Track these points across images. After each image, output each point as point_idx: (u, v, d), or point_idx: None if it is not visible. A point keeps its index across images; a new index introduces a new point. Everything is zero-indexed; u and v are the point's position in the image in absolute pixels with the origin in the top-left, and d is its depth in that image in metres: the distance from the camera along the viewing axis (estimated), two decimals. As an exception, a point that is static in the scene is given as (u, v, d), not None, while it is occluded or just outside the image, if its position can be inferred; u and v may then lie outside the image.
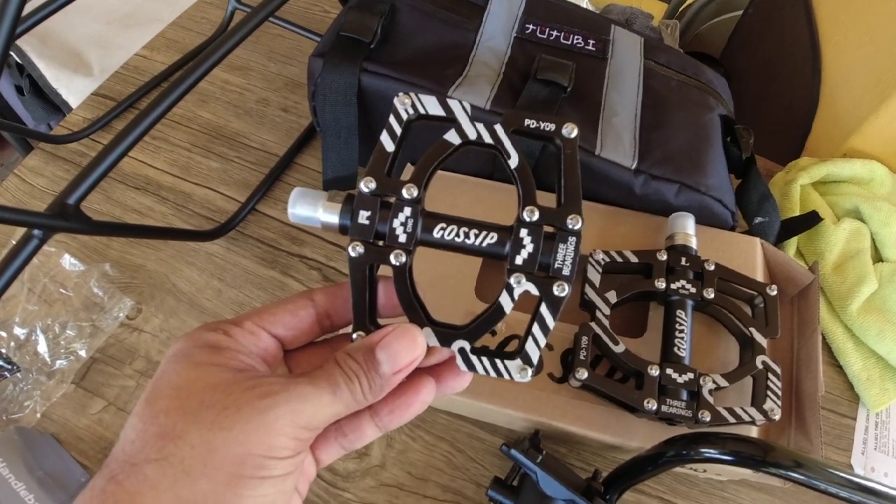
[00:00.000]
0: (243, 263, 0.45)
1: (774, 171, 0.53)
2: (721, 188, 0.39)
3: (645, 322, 0.37)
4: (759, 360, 0.34)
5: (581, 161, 0.38)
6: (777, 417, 0.33)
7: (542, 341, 0.22)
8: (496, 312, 0.22)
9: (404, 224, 0.22)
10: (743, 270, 0.38)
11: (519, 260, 0.21)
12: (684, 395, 0.33)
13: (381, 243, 0.22)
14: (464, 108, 0.23)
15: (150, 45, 0.57)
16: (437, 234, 0.22)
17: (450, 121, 0.23)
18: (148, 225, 0.46)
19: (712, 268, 0.36)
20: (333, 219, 0.22)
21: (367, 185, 0.21)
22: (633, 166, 0.38)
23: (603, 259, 0.37)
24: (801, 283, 0.41)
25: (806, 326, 0.40)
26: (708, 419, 0.32)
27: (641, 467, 0.33)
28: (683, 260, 0.36)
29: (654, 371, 0.33)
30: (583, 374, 0.33)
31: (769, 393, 0.33)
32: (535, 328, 0.22)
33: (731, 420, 0.32)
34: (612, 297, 0.36)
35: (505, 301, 0.22)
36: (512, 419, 0.37)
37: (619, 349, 0.34)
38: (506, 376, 0.22)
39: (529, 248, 0.21)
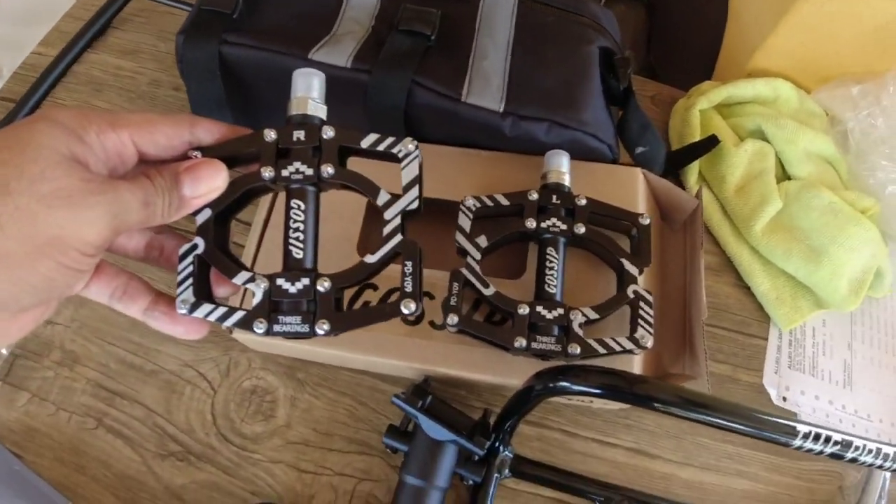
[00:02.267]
0: (144, 248, 0.45)
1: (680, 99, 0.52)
2: (596, 122, 0.38)
3: (524, 262, 0.37)
4: (630, 289, 0.34)
5: (448, 109, 0.38)
6: (649, 345, 0.33)
7: (410, 287, 0.26)
8: None
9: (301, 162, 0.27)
10: (624, 202, 0.37)
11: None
12: (555, 331, 0.33)
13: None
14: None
15: (45, 41, 0.56)
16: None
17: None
18: None
19: (583, 203, 0.36)
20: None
21: None
22: (501, 109, 0.37)
23: (474, 205, 0.36)
24: (687, 209, 0.40)
25: (693, 251, 0.40)
26: (578, 352, 0.32)
27: (516, 404, 0.33)
28: (555, 198, 0.36)
29: (524, 310, 0.33)
30: (454, 319, 0.33)
31: (641, 321, 0.33)
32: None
33: (602, 351, 0.33)
34: (482, 241, 0.35)
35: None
36: (401, 369, 0.38)
37: (489, 292, 0.34)
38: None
39: None
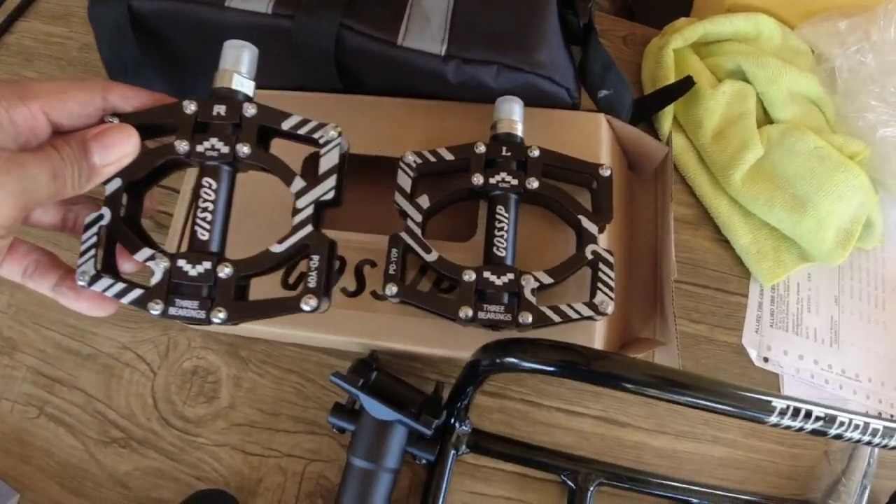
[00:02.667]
0: (76, 224, 0.41)
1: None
2: (552, 63, 0.33)
3: (475, 223, 0.33)
4: (588, 249, 0.30)
5: (383, 54, 0.33)
6: (609, 310, 0.29)
7: (314, 282, 0.25)
8: None
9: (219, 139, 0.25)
10: (585, 152, 0.33)
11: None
12: (505, 298, 0.29)
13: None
14: None
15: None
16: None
17: None
18: None
19: (536, 154, 0.31)
20: None
21: None
22: (443, 52, 0.32)
23: (414, 161, 0.32)
24: (657, 157, 0.36)
25: (664, 205, 0.35)
26: (529, 321, 0.29)
27: (465, 380, 0.30)
28: (504, 150, 0.31)
29: (469, 276, 0.29)
30: (392, 289, 0.29)
31: (600, 285, 0.29)
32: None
33: (556, 319, 0.29)
34: (424, 202, 0.31)
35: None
36: (345, 344, 0.34)
37: (431, 257, 0.30)
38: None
39: None
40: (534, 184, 0.31)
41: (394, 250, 0.30)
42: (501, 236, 0.30)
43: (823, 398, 0.41)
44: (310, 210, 0.26)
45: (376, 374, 0.32)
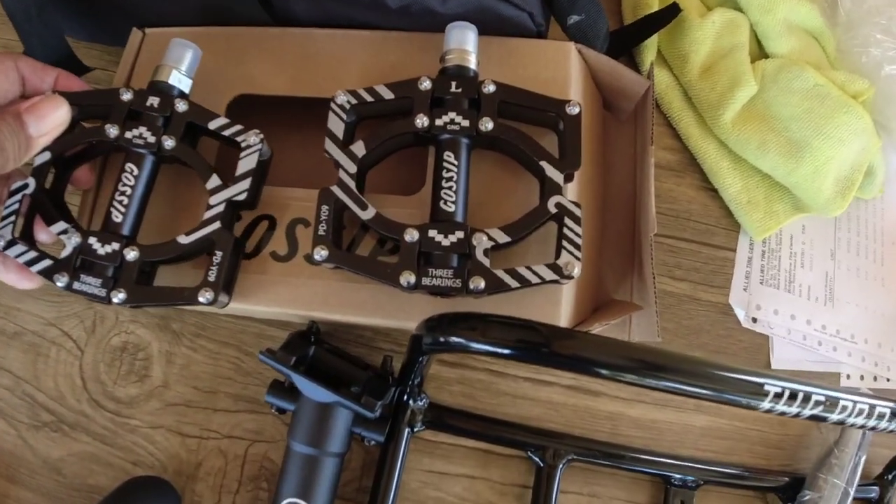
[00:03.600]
0: None
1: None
2: (512, -19, 0.27)
3: (423, 173, 0.27)
4: (551, 202, 0.24)
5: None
6: (575, 273, 0.23)
7: (213, 276, 0.24)
8: None
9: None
10: (552, 88, 0.27)
11: None
12: (454, 262, 0.24)
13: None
14: None
15: None
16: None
17: None
18: None
19: (491, 90, 0.25)
20: None
21: None
22: (380, -32, 0.26)
23: (347, 101, 0.26)
24: (636, 94, 0.30)
25: (643, 149, 0.29)
26: (482, 286, 0.23)
27: (411, 357, 0.25)
28: (454, 86, 0.25)
29: (412, 236, 0.24)
30: (322, 252, 0.24)
31: (565, 243, 0.24)
32: None
33: (514, 284, 0.23)
34: (359, 149, 0.25)
35: None
36: (279, 315, 0.29)
37: (367, 215, 0.24)
38: None
39: None
40: (488, 125, 0.25)
41: (324, 207, 0.25)
42: (450, 188, 0.25)
43: (816, 361, 0.36)
44: (221, 207, 0.26)
45: (314, 349, 0.27)
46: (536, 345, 0.20)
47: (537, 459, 0.31)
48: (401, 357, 0.29)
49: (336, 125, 0.26)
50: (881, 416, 0.21)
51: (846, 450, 0.33)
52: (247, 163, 0.26)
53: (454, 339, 0.21)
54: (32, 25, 0.30)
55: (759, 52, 0.37)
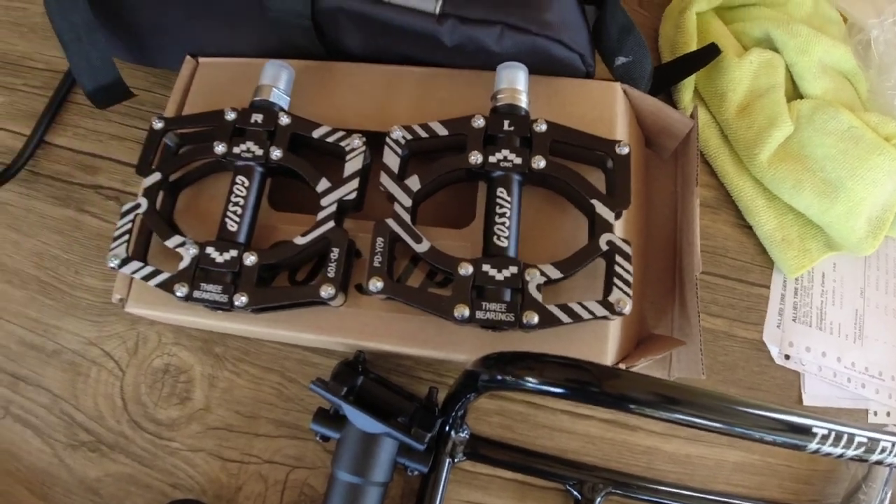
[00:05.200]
0: (38, 207, 0.36)
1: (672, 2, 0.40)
2: (563, 24, 0.28)
3: (474, 206, 0.28)
4: (603, 239, 0.25)
5: (367, 13, 0.27)
6: (626, 310, 0.24)
7: (333, 272, 0.25)
8: None
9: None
10: (599, 127, 0.27)
11: None
12: (506, 296, 0.24)
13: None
14: None
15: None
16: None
17: None
18: None
19: (543, 129, 0.26)
20: None
21: None
22: (437, 10, 0.27)
23: (403, 137, 0.26)
24: (679, 133, 0.30)
25: (686, 187, 0.30)
26: (535, 321, 0.24)
27: (461, 390, 0.25)
28: (507, 124, 0.26)
29: (466, 270, 0.24)
30: (377, 284, 0.24)
31: (617, 281, 0.24)
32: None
33: (567, 320, 0.24)
34: (414, 183, 0.26)
35: None
36: (326, 343, 0.29)
37: (422, 248, 0.25)
38: None
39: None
40: (540, 163, 0.25)
41: (379, 239, 0.25)
42: (503, 223, 0.25)
43: (845, 398, 0.36)
44: (332, 207, 0.26)
45: (362, 379, 0.27)
46: (588, 384, 0.20)
47: (576, 493, 0.31)
48: (442, 387, 0.29)
49: (391, 160, 0.26)
50: None
51: (874, 485, 0.33)
52: (353, 165, 0.27)
53: (511, 378, 0.21)
54: (81, 46, 0.31)
55: (794, 91, 0.38)
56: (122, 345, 0.33)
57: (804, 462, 0.34)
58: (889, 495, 0.33)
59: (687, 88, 0.36)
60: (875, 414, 0.36)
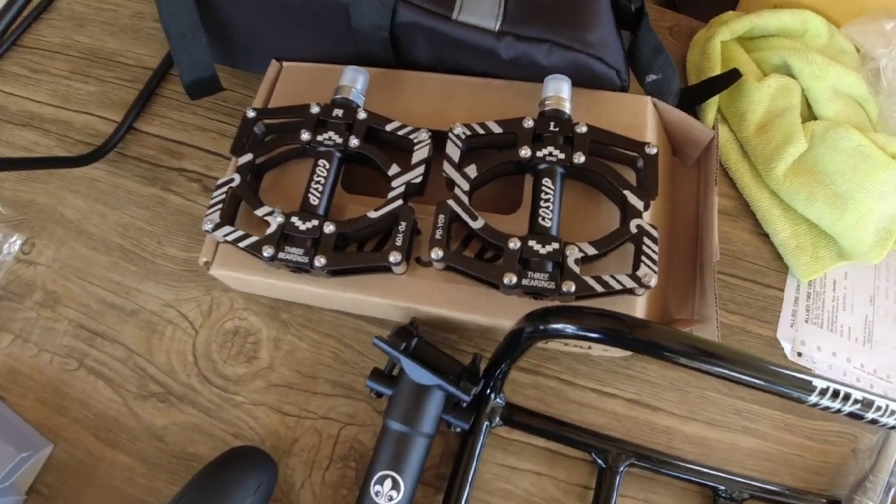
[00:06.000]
0: (125, 184, 0.44)
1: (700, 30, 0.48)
2: (603, 44, 0.35)
3: (521, 196, 0.35)
4: (632, 224, 0.32)
5: (438, 29, 0.36)
6: (652, 283, 0.31)
7: (400, 241, 0.32)
8: None
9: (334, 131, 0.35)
10: (631, 133, 0.35)
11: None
12: (549, 267, 0.31)
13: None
14: None
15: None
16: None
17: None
18: (12, 157, 0.45)
19: (584, 130, 0.33)
20: None
21: None
22: (497, 28, 0.35)
23: (463, 133, 0.34)
24: (702, 142, 0.38)
25: (707, 188, 0.37)
26: (573, 289, 0.30)
27: (506, 348, 0.32)
28: (552, 125, 0.34)
29: (514, 244, 0.31)
30: (438, 253, 0.31)
31: (644, 258, 0.31)
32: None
33: (599, 289, 0.31)
34: (471, 171, 0.33)
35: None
36: (385, 308, 0.36)
37: (477, 224, 0.32)
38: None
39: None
40: (580, 158, 0.33)
41: (441, 216, 0.32)
42: (547, 207, 0.32)
43: (857, 397, 0.42)
44: (401, 188, 0.33)
45: (416, 340, 0.34)
46: (621, 331, 0.27)
47: (600, 461, 0.37)
48: (484, 360, 0.36)
49: (453, 151, 0.34)
50: None
51: (880, 475, 0.38)
52: (420, 153, 0.34)
53: (554, 325, 0.28)
54: (186, 43, 0.39)
55: (809, 113, 0.45)
56: (197, 308, 0.40)
57: (815, 454, 0.40)
58: (894, 487, 0.38)
59: (711, 108, 0.44)
60: (885, 416, 0.42)
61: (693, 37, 0.48)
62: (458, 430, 0.35)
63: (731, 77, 0.42)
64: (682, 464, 0.37)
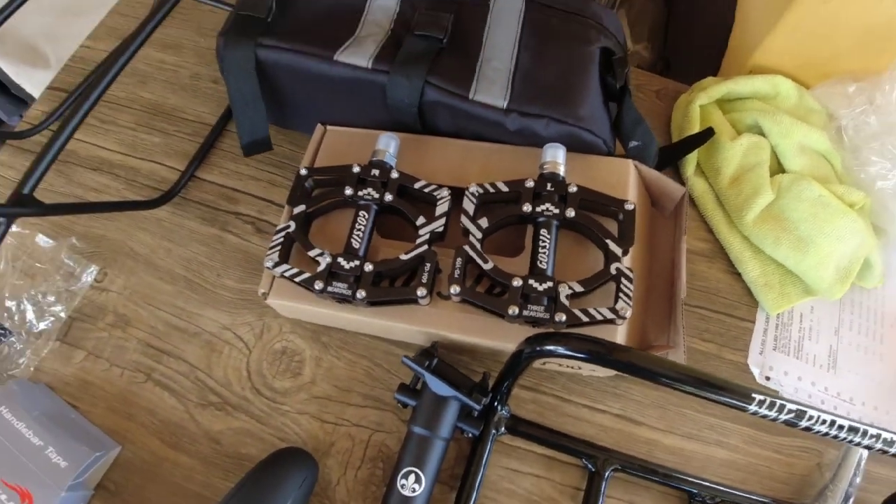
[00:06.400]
0: (188, 224, 0.54)
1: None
2: (591, 118, 0.45)
3: (523, 242, 0.44)
4: (613, 267, 0.41)
5: (457, 106, 0.45)
6: (627, 315, 0.39)
7: (425, 279, 0.41)
8: None
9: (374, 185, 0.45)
10: (616, 190, 0.44)
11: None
12: (545, 301, 0.40)
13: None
14: None
15: (93, 36, 0.65)
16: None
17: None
18: (94, 201, 0.55)
19: (574, 190, 0.43)
20: None
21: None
22: (505, 106, 0.44)
23: (477, 191, 0.43)
24: (676, 196, 0.47)
25: (679, 235, 0.46)
26: (564, 319, 0.39)
27: (510, 366, 0.41)
28: (549, 186, 0.43)
29: (517, 282, 0.40)
30: (455, 289, 0.41)
31: (621, 295, 0.40)
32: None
33: (584, 319, 0.40)
34: (483, 222, 0.43)
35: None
36: (412, 334, 0.45)
37: (488, 266, 0.41)
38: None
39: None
40: (571, 213, 0.42)
41: (458, 259, 0.42)
42: (544, 252, 0.42)
43: (820, 416, 0.50)
44: (427, 236, 0.43)
45: (436, 360, 0.43)
46: (600, 352, 0.36)
47: (590, 466, 0.45)
48: (492, 377, 0.45)
49: (468, 205, 0.43)
50: (840, 428, 0.36)
51: (840, 484, 0.46)
52: (441, 208, 0.43)
53: (548, 347, 0.37)
54: (247, 110, 0.49)
55: (779, 167, 0.55)
56: (250, 331, 0.50)
57: (782, 466, 0.48)
58: (853, 497, 0.46)
59: (690, 163, 0.53)
60: (846, 434, 0.50)
61: (677, 98, 0.57)
62: (470, 435, 0.44)
63: (705, 135, 0.51)
64: (661, 470, 0.46)
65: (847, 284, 0.51)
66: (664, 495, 0.46)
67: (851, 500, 0.46)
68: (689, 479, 0.46)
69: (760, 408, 0.35)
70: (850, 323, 0.53)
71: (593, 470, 0.45)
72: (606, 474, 0.45)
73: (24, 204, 0.42)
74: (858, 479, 0.47)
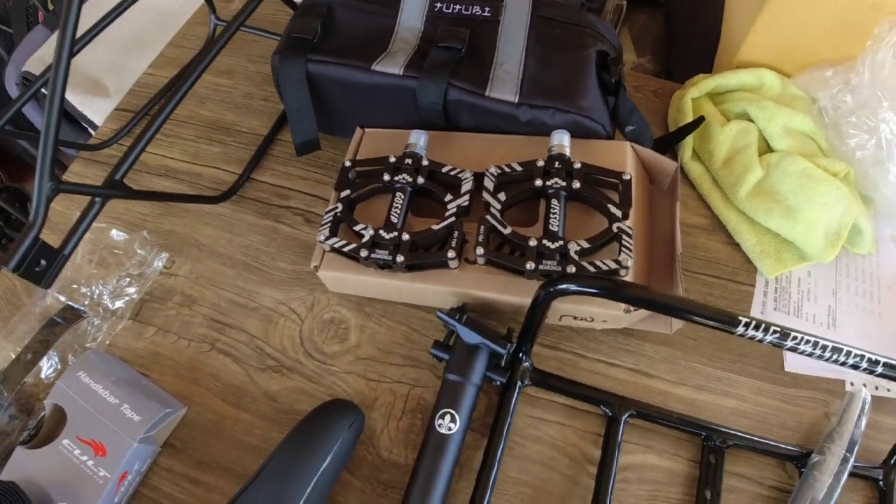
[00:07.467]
0: (245, 218, 0.67)
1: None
2: (591, 107, 0.57)
3: (538, 214, 0.56)
4: (614, 226, 0.52)
5: (476, 102, 0.58)
6: (629, 265, 0.50)
7: (454, 245, 0.53)
8: None
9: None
10: (614, 167, 0.55)
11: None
12: (557, 257, 0.51)
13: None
14: None
15: (154, 64, 0.80)
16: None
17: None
18: (171, 192, 0.69)
19: (579, 166, 0.54)
20: None
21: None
22: (516, 100, 0.57)
23: (496, 171, 0.55)
24: (669, 171, 0.58)
25: (674, 204, 0.57)
26: (573, 271, 0.50)
27: (532, 312, 0.51)
28: (557, 164, 0.55)
29: (533, 242, 0.52)
30: (480, 251, 0.52)
31: (622, 248, 0.51)
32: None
33: (591, 269, 0.50)
34: (502, 196, 0.54)
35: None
36: (444, 295, 0.56)
37: (507, 231, 0.53)
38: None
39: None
40: (577, 185, 0.53)
41: (482, 227, 0.53)
42: (555, 218, 0.53)
43: (824, 369, 0.59)
44: (454, 210, 0.54)
45: (466, 315, 0.54)
46: (610, 288, 0.46)
47: (608, 412, 0.55)
48: (515, 333, 0.55)
49: (489, 183, 0.55)
50: (824, 348, 0.45)
51: (846, 426, 0.54)
52: (465, 186, 0.55)
53: (562, 286, 0.47)
54: (300, 116, 0.62)
55: (768, 148, 0.65)
56: (302, 304, 0.62)
57: (790, 415, 0.56)
58: (858, 441, 0.54)
59: (687, 148, 0.64)
60: (851, 384, 0.58)
61: (671, 97, 0.69)
62: (499, 383, 0.54)
63: (696, 123, 0.63)
64: (674, 415, 0.55)
65: (837, 248, 0.60)
66: (678, 440, 0.55)
67: (857, 445, 0.54)
68: (701, 422, 0.55)
69: (747, 329, 0.44)
70: (847, 285, 0.62)
71: (611, 416, 0.55)
72: (623, 419, 0.54)
73: (115, 188, 0.55)
74: (864, 425, 0.55)
